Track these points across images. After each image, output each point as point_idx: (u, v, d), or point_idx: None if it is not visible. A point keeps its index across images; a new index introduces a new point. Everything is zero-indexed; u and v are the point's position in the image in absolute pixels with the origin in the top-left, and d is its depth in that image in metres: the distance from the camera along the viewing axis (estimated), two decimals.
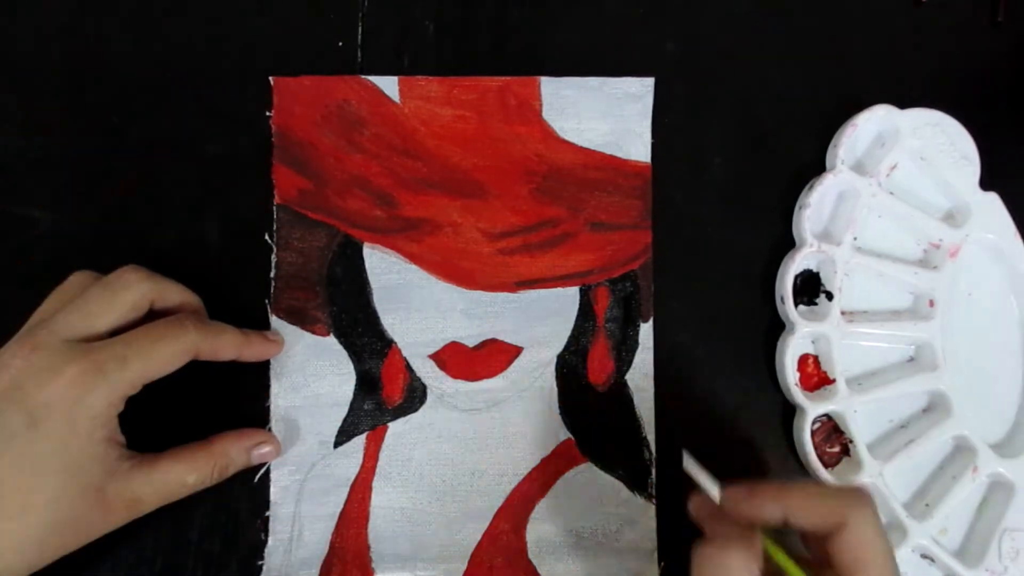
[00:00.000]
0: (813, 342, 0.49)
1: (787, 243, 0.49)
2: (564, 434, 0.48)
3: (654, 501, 0.48)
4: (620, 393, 0.48)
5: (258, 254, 0.48)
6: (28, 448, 0.37)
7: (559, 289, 0.49)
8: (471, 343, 0.48)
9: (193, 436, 0.43)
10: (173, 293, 0.43)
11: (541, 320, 0.48)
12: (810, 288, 0.49)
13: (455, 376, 0.48)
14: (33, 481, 0.37)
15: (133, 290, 0.41)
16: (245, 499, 0.46)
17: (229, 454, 0.44)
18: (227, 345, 0.43)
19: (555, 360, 0.48)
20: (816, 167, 0.50)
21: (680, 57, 0.50)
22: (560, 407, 0.48)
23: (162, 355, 0.40)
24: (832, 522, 0.36)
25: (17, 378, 0.38)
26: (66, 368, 0.38)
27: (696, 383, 0.49)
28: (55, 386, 0.37)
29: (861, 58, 0.51)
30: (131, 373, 0.39)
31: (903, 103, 0.49)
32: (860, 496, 0.37)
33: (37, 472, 0.37)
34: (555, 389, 0.48)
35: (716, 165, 0.50)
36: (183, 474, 0.42)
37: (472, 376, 0.48)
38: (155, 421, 0.42)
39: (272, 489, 0.46)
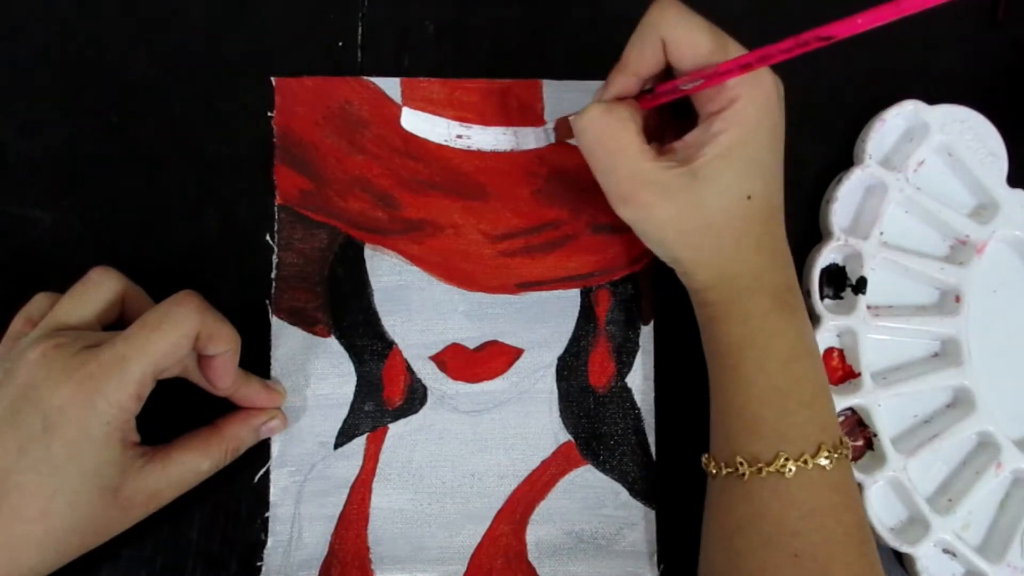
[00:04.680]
0: (838, 336, 0.49)
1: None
2: (564, 436, 0.48)
3: (654, 504, 0.47)
4: (621, 396, 0.48)
5: (258, 254, 0.48)
6: (44, 452, 0.37)
7: (560, 291, 0.48)
8: (472, 345, 0.48)
9: (193, 425, 0.43)
10: (220, 331, 0.40)
11: (542, 322, 0.48)
12: (835, 282, 0.50)
13: (456, 378, 0.48)
14: (51, 485, 0.37)
15: (185, 326, 0.39)
16: (245, 499, 0.46)
17: (239, 436, 0.44)
18: (225, 335, 0.40)
19: (556, 362, 0.48)
20: (817, 167, 0.50)
21: None
22: (560, 409, 0.48)
23: (160, 347, 0.38)
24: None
25: (32, 378, 0.37)
26: (75, 373, 0.37)
27: (697, 385, 0.48)
28: (66, 391, 0.37)
29: (867, 57, 0.51)
30: (134, 374, 0.38)
31: (929, 100, 0.49)
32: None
33: (55, 476, 0.37)
34: (555, 391, 0.48)
35: None
36: (197, 463, 0.42)
37: (473, 378, 0.48)
38: (155, 418, 0.42)
39: (272, 490, 0.46)
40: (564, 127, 0.46)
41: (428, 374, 0.48)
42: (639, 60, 0.40)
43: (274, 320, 0.47)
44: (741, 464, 0.40)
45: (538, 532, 0.47)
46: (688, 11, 0.39)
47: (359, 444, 0.47)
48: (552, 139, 0.47)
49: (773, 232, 0.42)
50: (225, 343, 0.41)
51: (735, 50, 0.39)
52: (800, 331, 0.42)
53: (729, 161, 0.39)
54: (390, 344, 0.48)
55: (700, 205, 0.40)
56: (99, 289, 0.41)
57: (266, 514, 0.46)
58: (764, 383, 0.41)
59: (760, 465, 0.39)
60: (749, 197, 0.40)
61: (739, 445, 0.41)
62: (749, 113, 0.39)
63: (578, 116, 0.41)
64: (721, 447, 0.42)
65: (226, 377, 0.42)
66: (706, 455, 0.43)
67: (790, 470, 0.39)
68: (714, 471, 0.42)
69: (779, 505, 0.39)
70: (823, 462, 0.39)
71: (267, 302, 0.47)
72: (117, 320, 0.42)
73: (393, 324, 0.48)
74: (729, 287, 0.42)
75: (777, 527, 0.39)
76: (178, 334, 0.38)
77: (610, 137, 0.40)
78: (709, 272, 0.42)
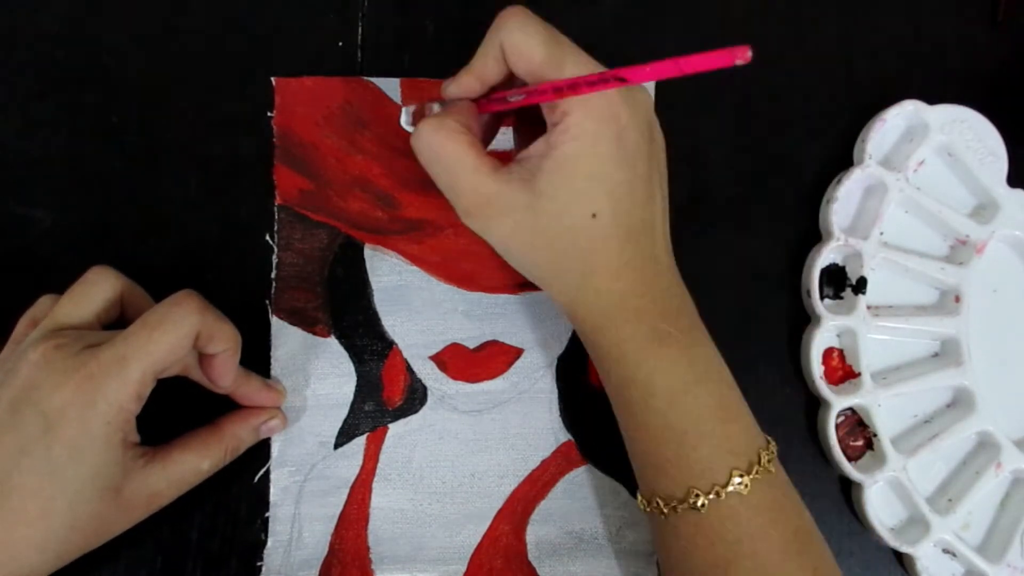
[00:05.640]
0: (838, 336, 0.49)
1: (787, 242, 0.50)
2: (564, 436, 0.48)
3: None
4: None
5: (258, 254, 0.48)
6: (45, 453, 0.37)
7: None
8: (472, 344, 0.48)
9: (193, 424, 0.44)
10: (221, 330, 0.40)
11: (542, 322, 0.48)
12: (835, 282, 0.50)
13: (455, 378, 0.48)
14: (52, 486, 0.37)
15: (185, 325, 0.39)
16: (245, 499, 0.46)
17: (239, 435, 0.44)
18: (226, 334, 0.41)
19: (556, 362, 0.48)
20: (817, 167, 0.50)
21: None
22: (560, 409, 0.48)
23: (161, 346, 0.38)
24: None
25: (34, 378, 0.37)
26: (76, 373, 0.37)
27: None
28: (67, 391, 0.37)
29: (867, 57, 0.51)
30: (134, 373, 0.38)
31: (929, 100, 0.50)
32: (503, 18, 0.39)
33: (55, 477, 0.37)
34: (555, 391, 0.48)
35: (718, 165, 0.50)
36: (197, 462, 0.42)
37: (472, 378, 0.48)
38: (155, 418, 0.42)
39: (272, 490, 0.46)
40: (420, 114, 0.44)
41: (428, 374, 0.48)
42: (482, 65, 0.40)
43: (274, 320, 0.47)
44: (658, 503, 0.39)
45: (538, 532, 0.47)
46: (532, 20, 0.38)
47: (359, 444, 0.47)
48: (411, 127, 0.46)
49: (636, 255, 0.39)
50: (225, 341, 0.41)
51: (571, 63, 0.37)
52: (687, 359, 0.39)
53: (566, 176, 0.37)
54: (390, 344, 0.48)
55: (540, 221, 0.38)
56: (97, 288, 0.41)
57: (266, 514, 0.46)
58: (657, 422, 0.39)
59: (674, 504, 0.39)
60: (594, 215, 0.38)
61: (653, 484, 0.40)
62: (585, 127, 0.37)
63: (413, 136, 0.39)
64: (641, 486, 0.42)
65: (227, 375, 0.42)
66: (638, 491, 0.42)
67: (703, 504, 0.38)
68: (641, 508, 0.41)
69: (704, 539, 0.38)
70: (737, 488, 0.37)
71: (267, 302, 0.47)
72: (117, 319, 0.42)
73: (393, 324, 0.48)
74: (592, 316, 0.40)
75: (709, 559, 0.38)
76: (178, 334, 0.38)
77: (443, 153, 0.39)
78: (567, 296, 0.41)
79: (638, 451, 0.41)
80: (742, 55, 0.29)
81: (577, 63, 0.37)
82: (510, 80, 0.40)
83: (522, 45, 0.38)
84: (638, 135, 0.39)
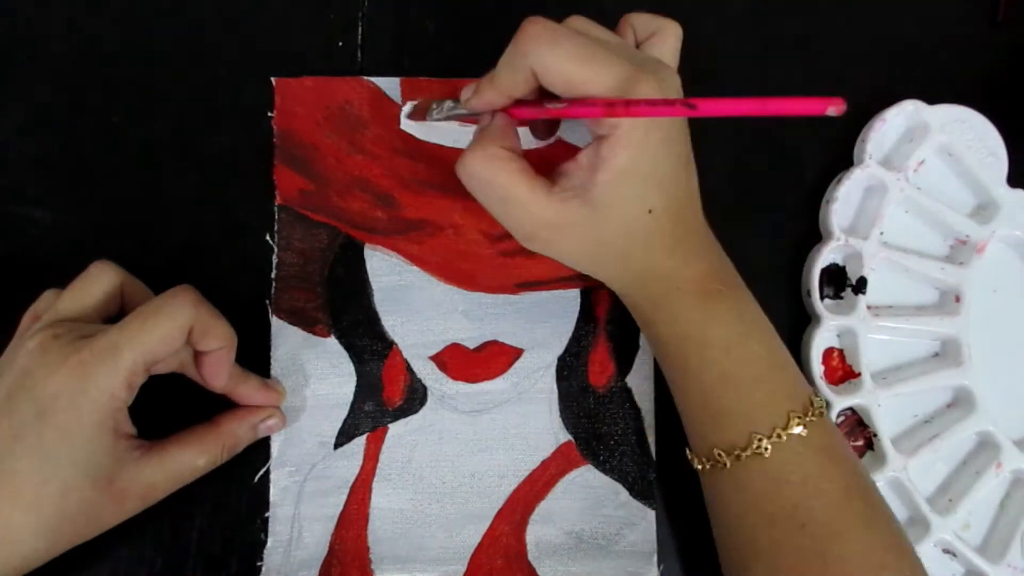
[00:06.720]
0: (838, 336, 0.49)
1: (787, 242, 0.50)
2: (564, 436, 0.48)
3: (654, 504, 0.47)
4: (621, 396, 0.48)
5: (258, 254, 0.48)
6: (38, 439, 0.37)
7: (560, 291, 0.48)
8: (472, 345, 0.48)
9: (193, 422, 0.44)
10: (215, 327, 0.41)
11: (542, 322, 0.48)
12: (835, 282, 0.50)
13: (455, 378, 0.48)
14: (44, 472, 0.37)
15: (179, 318, 0.39)
16: (245, 499, 0.46)
17: (236, 433, 0.44)
18: (220, 331, 0.41)
19: (555, 362, 0.48)
20: (817, 167, 0.50)
21: (680, 58, 0.50)
22: (560, 409, 0.48)
23: (153, 337, 0.39)
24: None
25: (29, 366, 0.38)
26: (68, 360, 0.38)
27: None
28: (59, 377, 0.37)
29: (867, 57, 0.51)
30: (126, 362, 0.38)
31: (929, 100, 0.50)
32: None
33: (48, 463, 0.37)
34: (555, 391, 0.48)
35: (716, 166, 0.49)
36: (193, 458, 0.42)
37: (472, 378, 0.48)
38: (155, 414, 0.42)
39: (272, 490, 0.46)
40: (423, 109, 0.45)
41: (428, 374, 0.48)
42: (510, 83, 0.39)
43: (274, 320, 0.47)
44: (720, 456, 0.40)
45: (538, 532, 0.47)
46: (561, 38, 0.37)
47: (359, 444, 0.47)
48: (407, 125, 0.46)
49: (684, 231, 0.41)
50: (219, 340, 0.41)
51: (611, 76, 0.36)
52: (736, 312, 0.41)
53: (622, 185, 0.38)
54: (390, 344, 0.48)
55: (600, 231, 0.39)
56: (98, 282, 0.42)
57: (266, 514, 0.46)
58: (713, 373, 0.40)
59: (737, 452, 0.39)
60: (650, 211, 0.39)
61: (712, 438, 0.41)
62: (635, 136, 0.37)
63: (460, 165, 0.39)
64: (697, 443, 0.42)
65: (220, 375, 0.42)
66: (689, 451, 0.43)
67: (767, 448, 0.39)
68: (699, 466, 0.42)
69: (770, 484, 0.39)
70: (797, 430, 0.39)
71: (267, 302, 0.47)
72: (118, 313, 0.43)
73: (393, 324, 0.48)
74: (646, 291, 0.42)
75: (775, 505, 0.39)
76: (171, 325, 0.39)
77: (495, 184, 0.39)
78: (622, 282, 0.42)
79: (694, 406, 0.42)
80: (836, 106, 0.28)
81: (615, 75, 0.36)
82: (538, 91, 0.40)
83: (555, 67, 0.37)
84: (678, 123, 0.40)
